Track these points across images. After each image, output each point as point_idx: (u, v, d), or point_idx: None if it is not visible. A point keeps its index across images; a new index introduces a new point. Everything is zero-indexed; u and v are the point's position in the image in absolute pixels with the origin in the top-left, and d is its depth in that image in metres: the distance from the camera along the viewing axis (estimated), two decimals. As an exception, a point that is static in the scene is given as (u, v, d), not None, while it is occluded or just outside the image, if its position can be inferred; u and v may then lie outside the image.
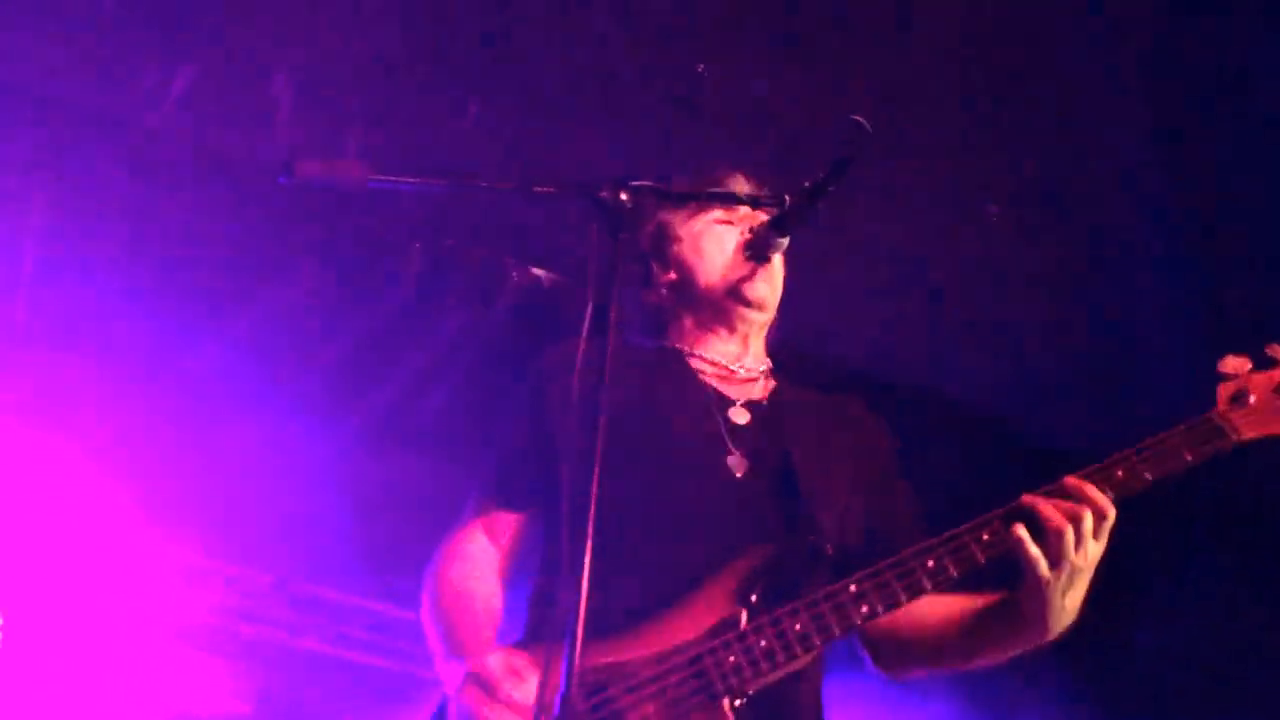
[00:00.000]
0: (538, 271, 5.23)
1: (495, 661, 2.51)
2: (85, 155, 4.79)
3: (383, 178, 2.39)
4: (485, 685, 2.46)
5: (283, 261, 5.10)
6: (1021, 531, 2.48)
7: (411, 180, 2.67)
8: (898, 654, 2.78)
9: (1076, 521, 2.46)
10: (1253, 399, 2.57)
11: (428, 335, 5.35)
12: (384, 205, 5.07)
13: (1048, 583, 2.49)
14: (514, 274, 5.15)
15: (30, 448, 4.90)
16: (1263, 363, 2.63)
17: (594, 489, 2.07)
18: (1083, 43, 4.48)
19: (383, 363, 5.35)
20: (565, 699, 1.98)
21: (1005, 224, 5.00)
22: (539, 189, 2.62)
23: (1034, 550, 2.47)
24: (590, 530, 2.04)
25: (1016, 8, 4.45)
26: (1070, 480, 2.51)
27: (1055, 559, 2.47)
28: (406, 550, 5.24)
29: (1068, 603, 2.54)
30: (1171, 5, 4.36)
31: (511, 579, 2.86)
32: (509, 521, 2.86)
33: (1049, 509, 2.48)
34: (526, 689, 2.40)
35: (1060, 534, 2.46)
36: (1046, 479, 2.56)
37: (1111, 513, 2.48)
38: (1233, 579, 5.74)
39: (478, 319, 5.31)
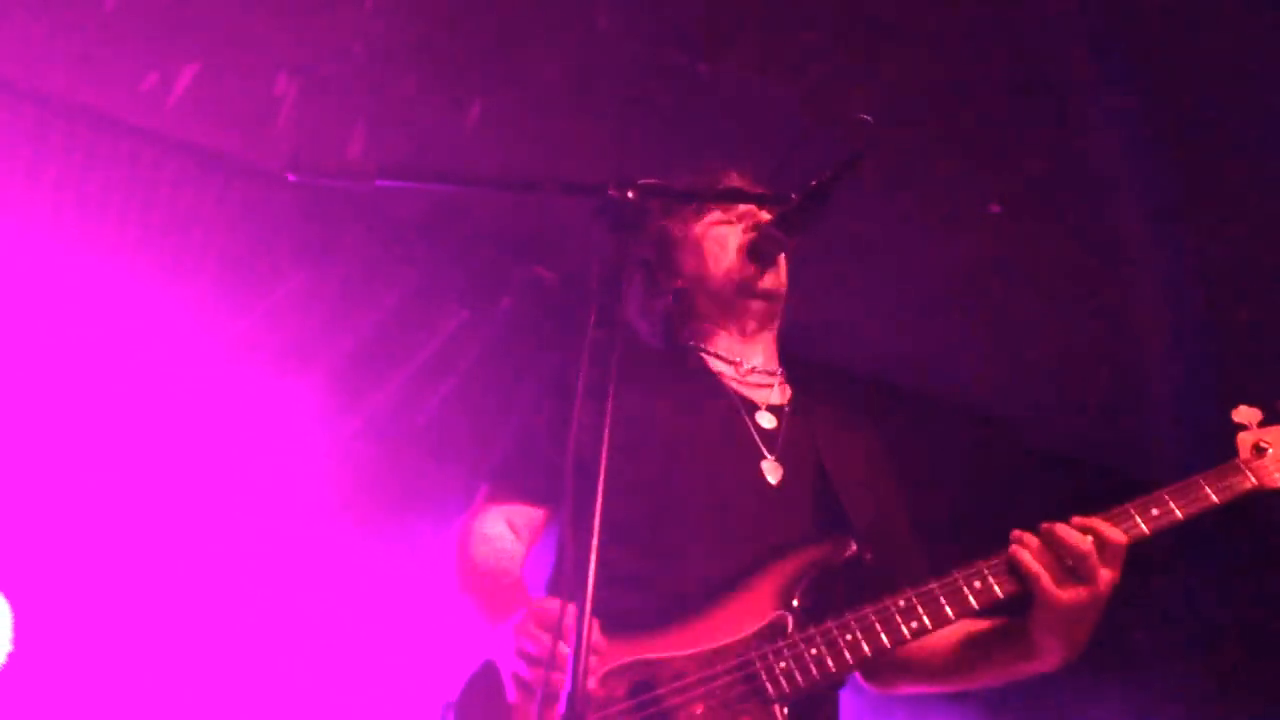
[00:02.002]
0: (541, 270, 5.24)
1: (550, 603, 2.44)
2: (85, 155, 4.79)
3: (387, 176, 2.39)
4: (544, 619, 2.38)
5: (284, 261, 5.10)
6: (1025, 555, 2.55)
7: (416, 179, 2.68)
8: (893, 669, 2.80)
9: (1081, 553, 2.52)
10: (1271, 451, 2.75)
11: (430, 334, 5.35)
12: (388, 204, 5.07)
13: (1056, 608, 2.53)
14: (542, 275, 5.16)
15: (30, 448, 4.90)
16: (1274, 416, 2.82)
17: (600, 485, 2.05)
18: (1086, 41, 4.48)
19: (385, 362, 5.35)
20: (571, 698, 1.97)
21: (1007, 223, 5.00)
22: (543, 188, 2.62)
23: (1035, 566, 2.53)
24: (596, 527, 2.01)
25: (1018, 6, 4.45)
26: (1077, 519, 2.58)
27: (1061, 583, 2.52)
28: (407, 548, 5.28)
29: (1077, 633, 2.58)
30: (1175, 5, 4.35)
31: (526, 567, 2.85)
32: (526, 512, 2.84)
33: (1067, 534, 2.54)
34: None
35: (1069, 560, 2.53)
36: (1047, 480, 2.60)
37: (1122, 543, 2.54)
38: (1233, 576, 5.75)
39: (480, 318, 5.32)
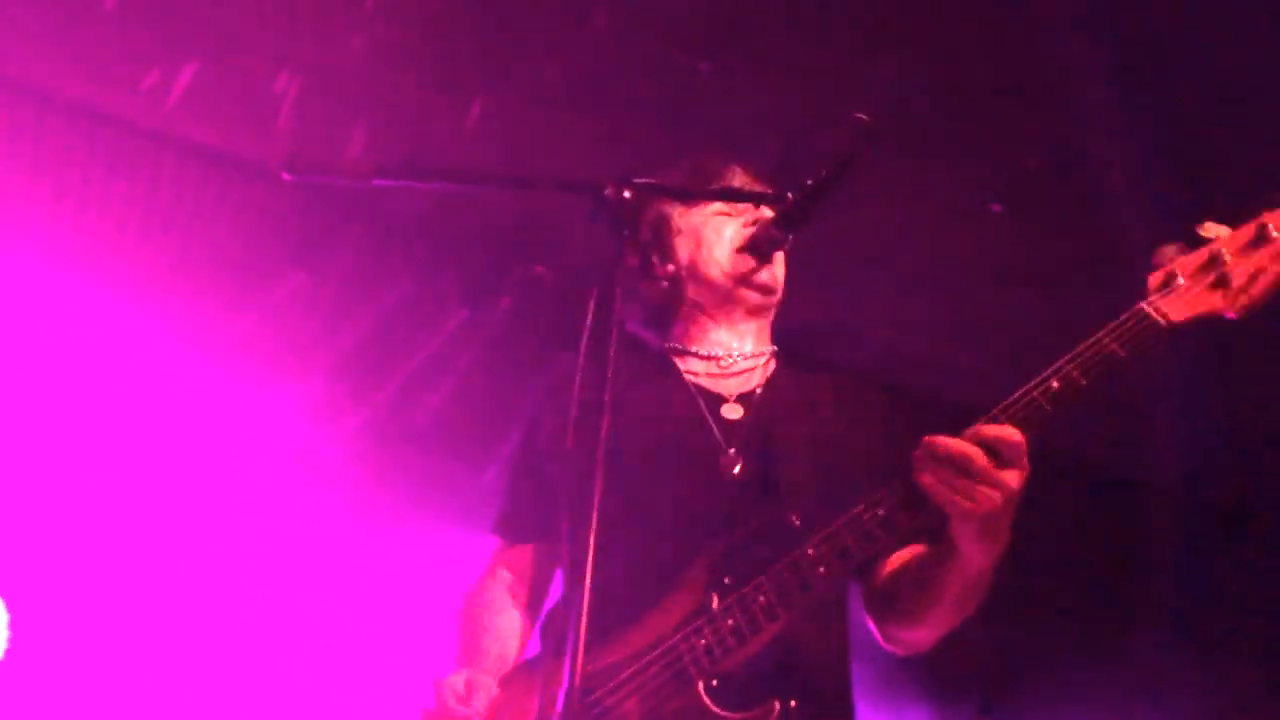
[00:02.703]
0: (540, 269, 5.24)
1: (456, 677, 2.65)
2: (85, 154, 4.79)
3: (386, 175, 2.39)
4: (438, 695, 2.64)
5: (284, 261, 5.10)
6: (928, 479, 2.38)
7: (415, 178, 2.68)
8: (885, 616, 2.73)
9: (975, 462, 2.35)
10: (1180, 281, 2.42)
11: (431, 334, 5.35)
12: (387, 204, 5.07)
13: (972, 521, 2.40)
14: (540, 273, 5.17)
15: (29, 448, 4.90)
16: (1193, 243, 2.48)
17: (595, 506, 2.05)
18: (1086, 41, 4.48)
19: (385, 362, 5.35)
20: (569, 694, 1.97)
21: (1007, 223, 4.99)
22: (542, 186, 2.62)
23: (940, 490, 2.37)
24: (592, 545, 2.01)
25: (1018, 6, 4.45)
26: (970, 429, 2.40)
27: (970, 497, 2.37)
28: (408, 548, 5.28)
29: (997, 531, 2.43)
30: (1175, 4, 4.35)
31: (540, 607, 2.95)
32: (524, 555, 2.93)
33: (957, 446, 2.38)
34: (474, 702, 2.58)
35: (970, 472, 2.37)
36: (1047, 480, 2.49)
37: (1019, 440, 2.37)
38: (1233, 576, 5.75)
39: (480, 318, 5.32)
